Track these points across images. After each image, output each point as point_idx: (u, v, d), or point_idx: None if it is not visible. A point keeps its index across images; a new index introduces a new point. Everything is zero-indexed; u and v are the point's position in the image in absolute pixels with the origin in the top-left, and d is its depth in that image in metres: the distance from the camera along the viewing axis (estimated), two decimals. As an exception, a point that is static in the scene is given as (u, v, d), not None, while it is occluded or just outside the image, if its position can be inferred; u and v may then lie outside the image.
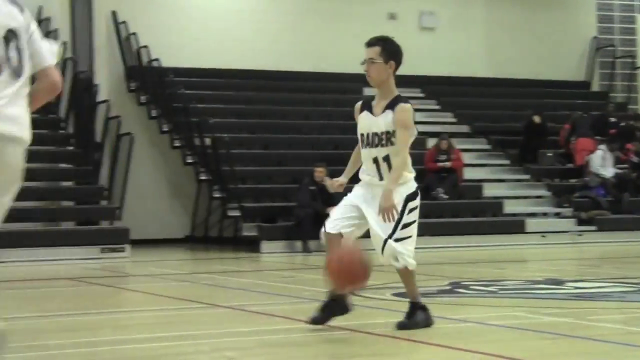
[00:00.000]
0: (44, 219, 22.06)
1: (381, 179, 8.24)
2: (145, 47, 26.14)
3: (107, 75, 26.24)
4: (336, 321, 9.22)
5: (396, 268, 8.17)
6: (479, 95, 29.90)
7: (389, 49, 8.57)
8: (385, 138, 8.22)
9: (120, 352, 7.49)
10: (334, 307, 8.28)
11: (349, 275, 7.80)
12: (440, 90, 29.25)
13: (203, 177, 24.46)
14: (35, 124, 20.82)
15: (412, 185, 8.24)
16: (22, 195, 20.69)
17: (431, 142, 25.60)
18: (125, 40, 26.53)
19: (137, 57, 26.35)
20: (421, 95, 28.90)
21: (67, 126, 24.45)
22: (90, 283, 15.13)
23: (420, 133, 27.05)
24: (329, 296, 8.31)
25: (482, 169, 26.63)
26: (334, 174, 22.48)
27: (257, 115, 26.57)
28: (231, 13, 28.11)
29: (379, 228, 8.03)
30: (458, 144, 25.59)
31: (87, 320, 8.14)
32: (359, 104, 8.74)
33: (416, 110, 27.94)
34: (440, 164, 24.49)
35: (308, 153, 24.07)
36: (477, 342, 7.79)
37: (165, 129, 25.75)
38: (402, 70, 28.88)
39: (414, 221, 8.16)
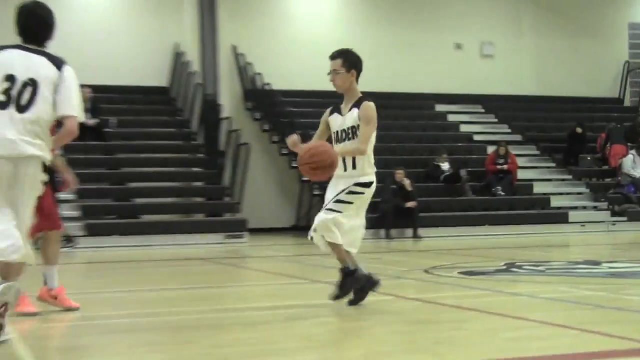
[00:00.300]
0: (181, 212, 22.33)
1: (345, 170, 7.95)
2: (259, 74, 26.30)
3: (229, 97, 26.52)
4: (413, 294, 9.24)
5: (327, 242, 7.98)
6: (530, 110, 29.59)
7: (350, 60, 8.24)
8: (351, 132, 8.00)
9: (241, 317, 7.58)
10: (348, 282, 8.10)
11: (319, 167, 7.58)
12: (498, 106, 29.02)
13: (305, 179, 24.55)
14: (173, 136, 21.27)
15: (368, 179, 7.95)
16: (164, 193, 21.04)
17: (491, 149, 25.51)
18: (243, 69, 26.74)
19: (253, 82, 26.54)
20: (482, 110, 28.80)
21: (198, 138, 24.71)
22: (217, 263, 15.26)
23: (481, 142, 27.31)
24: (342, 274, 8.14)
25: (533, 171, 26.37)
26: (411, 175, 22.68)
27: (349, 127, 26.58)
28: (330, 45, 27.86)
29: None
30: (513, 150, 25.36)
31: (214, 292, 8.27)
32: (329, 110, 8.48)
33: (478, 123, 27.90)
34: (499, 167, 24.44)
35: (390, 159, 24.03)
36: (528, 312, 7.76)
37: (275, 139, 25.89)
38: (467, 90, 28.67)
39: (350, 203, 7.86)
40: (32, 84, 6.23)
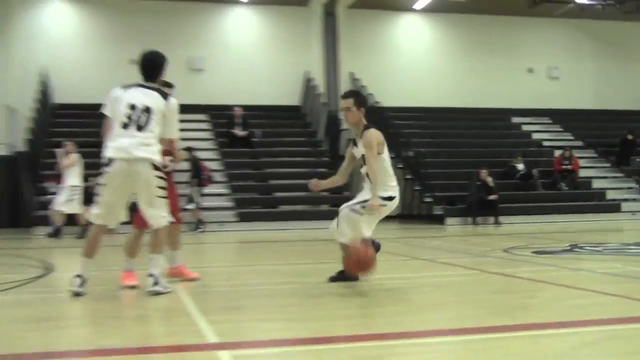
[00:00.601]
0: (310, 203, 22.42)
1: None
2: (371, 94, 26.29)
3: (347, 112, 26.63)
4: (495, 269, 9.11)
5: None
6: (589, 120, 28.95)
7: (359, 100, 7.71)
8: (363, 160, 7.57)
9: (357, 286, 7.55)
10: (344, 277, 7.70)
11: (361, 267, 7.15)
12: (563, 118, 28.51)
13: (408, 177, 24.44)
14: (303, 144, 21.38)
15: (389, 193, 7.50)
16: (297, 188, 21.22)
17: (557, 153, 25.11)
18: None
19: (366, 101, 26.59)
20: (550, 122, 28.36)
21: (323, 145, 24.87)
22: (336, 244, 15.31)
23: (549, 146, 26.87)
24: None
25: (591, 170, 25.76)
26: (492, 174, 22.33)
27: (443, 135, 26.40)
28: (427, 70, 28.10)
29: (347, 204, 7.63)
30: (575, 153, 24.93)
31: (336, 266, 8.26)
32: (350, 144, 7.96)
33: (546, 131, 27.55)
34: (564, 167, 24.12)
35: (475, 160, 23.77)
36: (588, 284, 7.60)
37: (384, 146, 25.89)
38: (537, 105, 28.22)
39: (367, 210, 7.39)
40: (147, 111, 7.03)
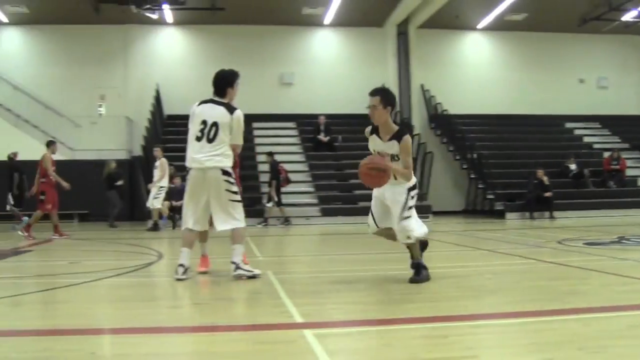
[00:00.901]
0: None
1: (395, 178, 6.73)
2: (439, 103, 26.13)
3: (418, 119, 26.57)
4: (550, 258, 8.90)
5: (407, 243, 6.94)
6: (635, 125, 28.08)
7: (386, 98, 6.63)
8: (391, 158, 6.68)
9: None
10: (419, 267, 7.02)
11: (374, 178, 6.55)
12: (612, 123, 27.80)
13: (472, 176, 24.18)
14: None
15: (413, 182, 6.77)
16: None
17: (606, 154, 24.49)
18: (428, 100, 26.67)
19: (435, 109, 26.41)
20: (599, 126, 27.71)
21: (396, 148, 24.76)
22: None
23: (599, 149, 26.18)
24: (413, 261, 7.11)
25: (637, 169, 25.04)
26: (548, 173, 21.81)
27: (504, 139, 26.00)
28: (489, 81, 27.73)
29: (395, 216, 6.81)
30: (622, 154, 24.32)
31: (405, 255, 8.18)
32: (369, 129, 6.85)
33: (596, 135, 26.82)
34: (612, 167, 23.60)
35: (532, 161, 23.34)
36: (634, 272, 7.33)
37: (450, 149, 25.62)
38: (588, 112, 27.57)
39: (413, 206, 6.78)
40: (215, 125, 7.15)
